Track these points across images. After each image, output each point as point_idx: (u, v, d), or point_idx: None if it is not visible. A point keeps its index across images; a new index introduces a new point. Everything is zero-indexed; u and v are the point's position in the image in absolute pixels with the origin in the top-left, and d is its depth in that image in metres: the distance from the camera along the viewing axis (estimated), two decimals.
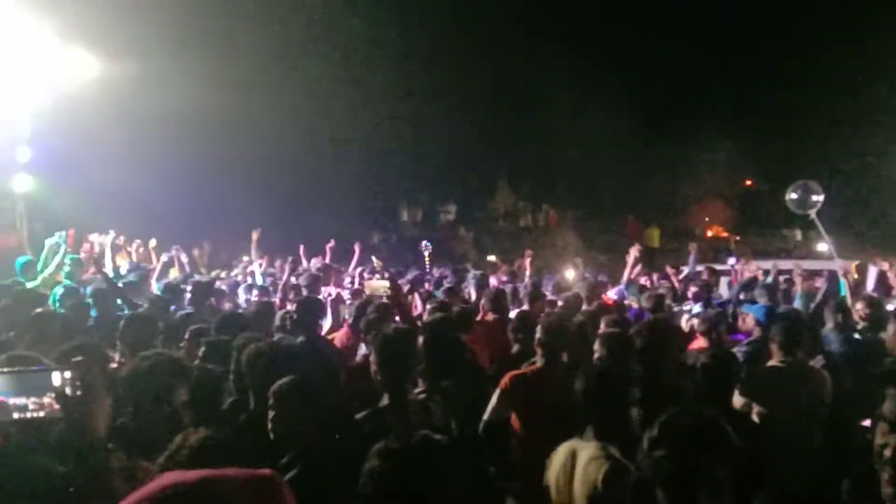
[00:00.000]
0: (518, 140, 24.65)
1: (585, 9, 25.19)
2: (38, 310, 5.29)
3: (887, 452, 1.38)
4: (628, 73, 25.68)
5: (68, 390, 2.13)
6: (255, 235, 10.37)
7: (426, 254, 12.81)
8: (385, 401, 3.59)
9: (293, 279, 7.72)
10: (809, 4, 24.70)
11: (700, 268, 10.75)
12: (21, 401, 2.12)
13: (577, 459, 2.70)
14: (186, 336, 4.98)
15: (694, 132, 24.87)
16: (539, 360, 4.40)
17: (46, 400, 2.13)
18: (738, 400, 4.46)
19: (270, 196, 18.37)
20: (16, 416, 2.11)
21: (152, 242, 9.90)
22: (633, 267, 9.42)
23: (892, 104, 21.84)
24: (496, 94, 23.75)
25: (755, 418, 4.38)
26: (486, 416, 4.20)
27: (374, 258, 11.94)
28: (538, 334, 4.43)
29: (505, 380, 4.25)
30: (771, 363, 4.75)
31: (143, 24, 13.82)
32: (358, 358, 5.44)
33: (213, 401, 3.70)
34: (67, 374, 2.14)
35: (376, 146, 21.66)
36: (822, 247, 11.71)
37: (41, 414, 2.12)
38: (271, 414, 3.17)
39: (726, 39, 25.71)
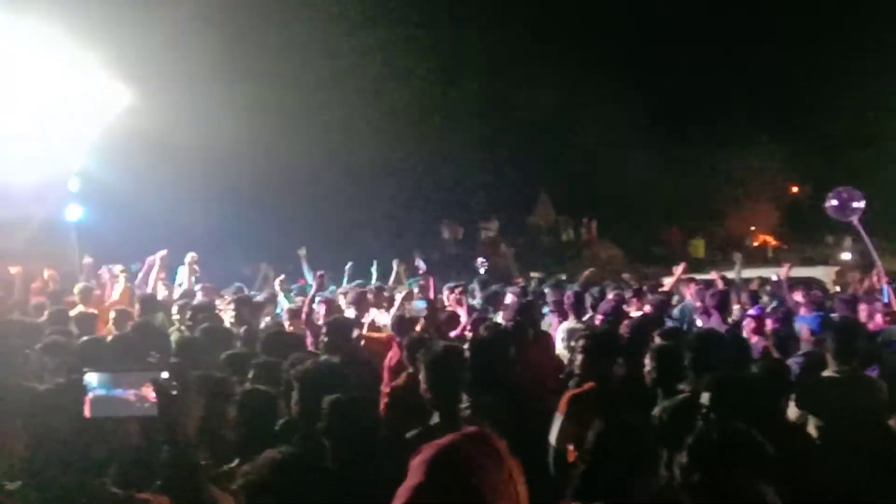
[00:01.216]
0: (557, 154, 24.58)
1: (620, 16, 25.13)
2: None
3: None
4: (667, 80, 25.57)
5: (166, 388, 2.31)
6: (302, 252, 10.48)
7: (482, 271, 12.73)
8: (436, 419, 3.61)
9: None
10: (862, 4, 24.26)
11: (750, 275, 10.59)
12: (119, 393, 2.34)
13: None
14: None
15: (737, 137, 24.60)
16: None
17: (143, 392, 2.33)
18: (793, 412, 4.39)
19: (312, 219, 18.58)
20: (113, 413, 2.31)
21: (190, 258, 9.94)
22: (676, 282, 9.32)
23: None
24: (533, 107, 23.74)
25: (812, 431, 4.30)
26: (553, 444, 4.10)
27: (420, 262, 11.89)
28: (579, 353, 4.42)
29: (563, 402, 4.16)
30: (826, 373, 4.65)
31: (184, 56, 14.19)
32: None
33: (262, 422, 3.75)
34: (166, 374, 2.34)
35: (415, 166, 21.81)
36: (846, 255, 11.50)
37: (138, 406, 2.33)
38: (324, 428, 3.22)
39: (768, 43, 25.46)
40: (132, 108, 11.59)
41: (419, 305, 6.57)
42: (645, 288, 9.36)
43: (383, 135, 20.56)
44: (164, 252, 9.08)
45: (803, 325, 6.00)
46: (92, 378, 2.45)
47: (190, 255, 9.51)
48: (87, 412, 2.44)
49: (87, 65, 10.62)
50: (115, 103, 11.24)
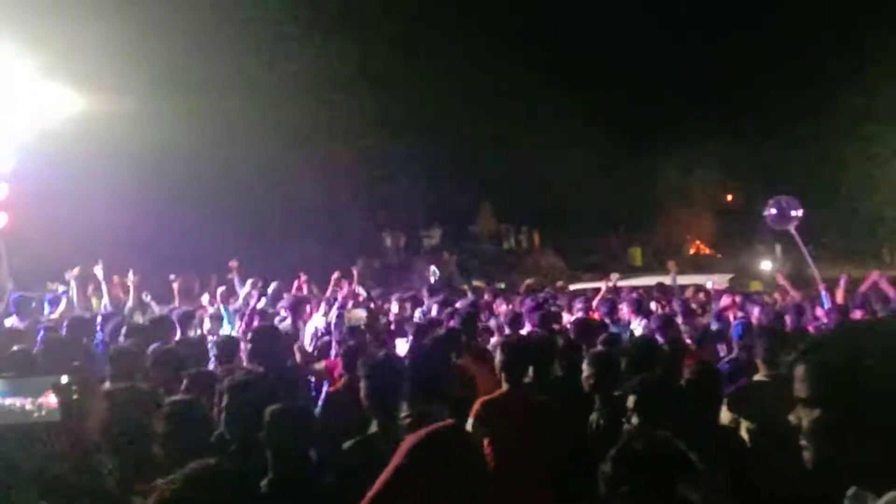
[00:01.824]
0: (498, 163, 24.77)
1: (560, 25, 25.50)
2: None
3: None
4: (606, 92, 26.02)
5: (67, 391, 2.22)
6: (234, 264, 10.19)
7: (432, 279, 12.58)
8: (374, 427, 3.58)
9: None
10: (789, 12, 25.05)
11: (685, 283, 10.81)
12: (17, 401, 2.22)
13: None
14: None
15: (672, 149, 25.12)
16: (504, 384, 4.35)
17: (42, 400, 2.22)
18: (725, 416, 4.49)
19: (250, 226, 18.31)
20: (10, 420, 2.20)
21: (131, 276, 9.68)
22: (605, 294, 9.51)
23: (868, 115, 22.28)
24: (474, 117, 23.89)
25: (744, 434, 4.40)
26: None
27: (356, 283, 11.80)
28: (497, 357, 4.44)
29: (475, 407, 4.20)
30: (756, 377, 4.77)
31: (124, 61, 13.88)
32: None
33: (194, 433, 3.67)
34: (65, 379, 2.24)
35: (356, 173, 21.71)
36: (766, 265, 11.94)
37: (36, 415, 2.21)
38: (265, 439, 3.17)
39: (702, 53, 26.09)
40: (70, 113, 11.28)
41: (359, 313, 6.52)
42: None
43: (325, 142, 20.43)
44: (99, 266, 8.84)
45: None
46: None
47: (131, 274, 9.30)
48: None
49: (20, 67, 10.28)
50: (51, 108, 10.94)
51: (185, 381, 4.42)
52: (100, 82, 12.61)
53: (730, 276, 10.18)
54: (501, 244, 27.44)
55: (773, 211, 9.38)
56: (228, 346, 5.66)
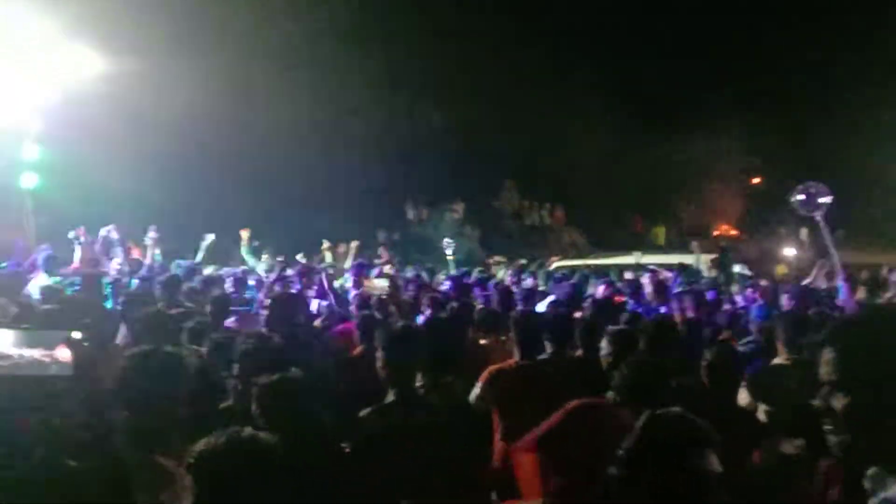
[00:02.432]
0: (523, 138, 24.59)
1: (584, 5, 25.18)
2: None
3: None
4: (634, 70, 25.66)
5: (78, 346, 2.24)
6: (244, 234, 10.14)
7: (449, 251, 12.47)
8: (391, 397, 3.60)
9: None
10: None
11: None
12: (32, 352, 2.23)
13: None
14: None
15: (700, 126, 24.75)
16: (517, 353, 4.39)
17: (56, 353, 2.23)
18: (743, 398, 4.46)
19: (273, 195, 18.38)
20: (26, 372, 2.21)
21: (151, 234, 9.72)
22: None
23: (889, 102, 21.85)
24: (499, 91, 23.72)
25: (762, 416, 4.38)
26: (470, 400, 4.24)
27: (381, 249, 11.77)
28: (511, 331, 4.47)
29: (484, 373, 4.26)
30: (776, 361, 4.73)
31: (148, 22, 13.84)
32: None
33: (211, 398, 3.72)
34: (77, 335, 2.26)
35: (380, 145, 21.66)
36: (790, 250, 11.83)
37: (53, 369, 2.23)
38: (256, 411, 3.18)
39: (731, 30, 25.65)
40: (93, 75, 11.33)
41: (380, 283, 6.52)
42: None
43: (347, 113, 20.39)
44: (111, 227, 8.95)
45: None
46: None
47: (152, 230, 9.38)
48: None
49: (44, 28, 10.33)
50: (75, 69, 10.98)
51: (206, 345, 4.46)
52: (123, 43, 12.58)
53: (712, 256, 10.06)
54: (524, 220, 27.32)
55: (801, 196, 9.17)
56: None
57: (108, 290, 6.94)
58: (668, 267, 10.85)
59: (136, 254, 9.58)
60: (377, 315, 5.62)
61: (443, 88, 22.83)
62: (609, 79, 24.66)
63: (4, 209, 10.91)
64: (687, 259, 10.74)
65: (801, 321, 4.94)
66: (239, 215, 14.83)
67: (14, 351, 2.27)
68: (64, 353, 2.28)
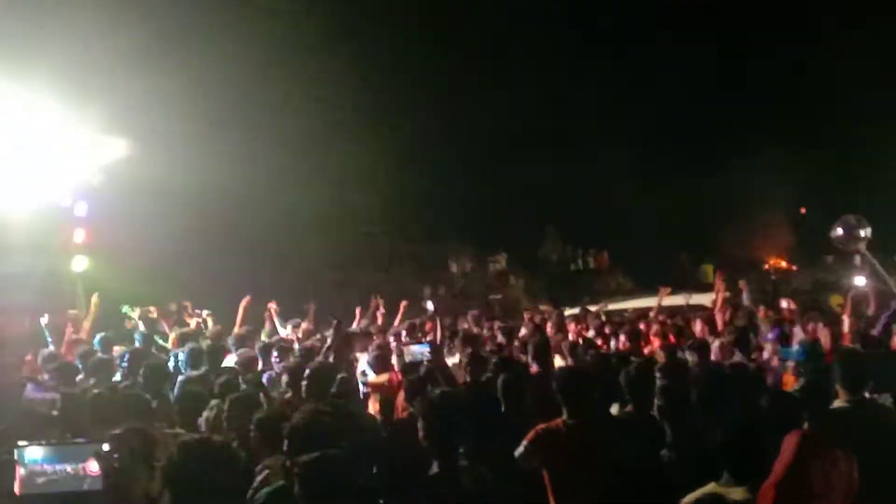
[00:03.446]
0: (562, 185, 24.54)
1: (620, 40, 25.26)
2: None
3: None
4: (671, 106, 25.59)
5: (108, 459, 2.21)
6: (272, 306, 10.17)
7: (496, 306, 12.38)
8: (435, 468, 3.51)
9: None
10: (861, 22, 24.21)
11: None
12: (64, 467, 2.21)
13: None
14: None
15: (743, 157, 24.45)
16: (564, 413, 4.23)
17: (86, 466, 2.21)
18: None
19: (316, 258, 18.55)
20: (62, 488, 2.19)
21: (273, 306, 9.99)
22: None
23: None
24: (537, 139, 23.84)
25: None
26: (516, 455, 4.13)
27: (429, 303, 11.65)
28: (554, 384, 4.32)
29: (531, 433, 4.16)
30: (837, 403, 4.51)
31: (174, 113, 14.33)
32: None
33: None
34: (106, 446, 2.23)
35: (421, 198, 21.82)
36: (859, 279, 11.32)
37: (82, 484, 2.20)
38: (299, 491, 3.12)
39: (767, 63, 25.46)
40: (125, 159, 11.75)
41: (417, 350, 6.38)
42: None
43: (385, 167, 20.61)
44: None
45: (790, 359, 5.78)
46: (31, 451, 2.31)
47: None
48: (17, 488, 2.30)
49: (83, 121, 10.83)
50: (107, 153, 11.44)
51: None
52: (154, 132, 13.11)
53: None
54: (569, 266, 27.13)
55: (840, 231, 8.78)
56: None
57: None
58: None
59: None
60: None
61: (480, 138, 23.02)
62: (647, 112, 24.65)
63: (57, 294, 11.22)
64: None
65: (860, 360, 4.72)
66: (281, 282, 15.03)
67: (47, 467, 2.28)
68: (93, 467, 2.27)
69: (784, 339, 7.38)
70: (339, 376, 5.63)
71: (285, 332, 9.50)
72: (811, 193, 27.25)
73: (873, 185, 22.32)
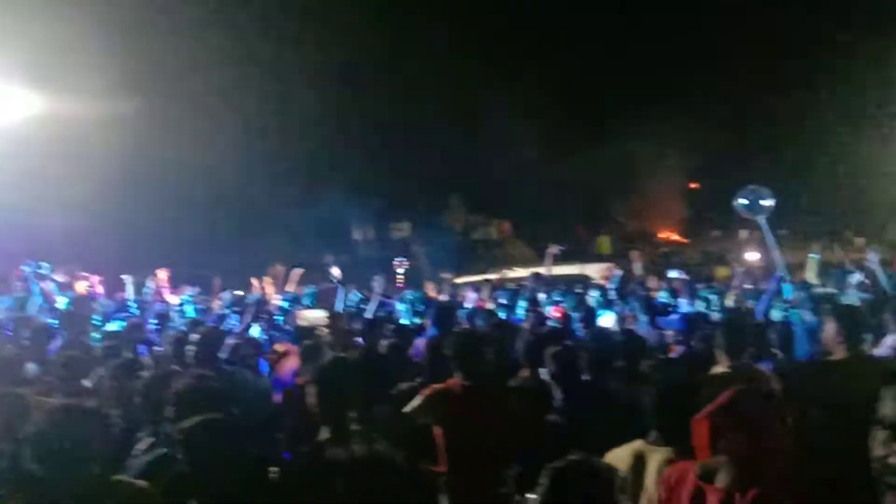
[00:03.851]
0: (467, 155, 24.66)
1: (522, 13, 25.43)
2: None
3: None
4: (574, 82, 25.98)
5: None
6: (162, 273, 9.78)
7: (400, 271, 12.35)
8: (325, 434, 3.46)
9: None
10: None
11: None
12: None
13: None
14: None
15: (638, 132, 25.11)
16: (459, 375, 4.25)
17: None
18: None
19: (218, 223, 18.07)
20: None
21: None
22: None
23: (823, 104, 22.51)
24: (442, 109, 23.78)
25: None
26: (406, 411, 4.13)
27: (335, 270, 11.51)
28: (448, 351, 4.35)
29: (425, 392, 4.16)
30: (718, 370, 4.70)
31: (81, 64, 13.59)
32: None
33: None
34: None
35: (324, 166, 21.52)
36: (752, 255, 11.95)
37: None
38: (182, 456, 3.03)
39: (666, 39, 26.12)
40: (30, 115, 11.15)
41: (313, 315, 6.28)
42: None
43: (290, 136, 20.22)
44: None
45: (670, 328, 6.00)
46: None
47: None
48: None
49: None
50: (11, 108, 10.83)
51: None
52: (57, 84, 12.40)
53: (607, 265, 10.22)
54: (472, 236, 27.37)
55: (745, 201, 9.30)
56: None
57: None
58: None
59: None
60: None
61: (385, 109, 22.83)
62: (547, 84, 24.94)
63: None
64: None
65: (741, 328, 4.92)
66: (182, 245, 14.58)
67: None
68: None
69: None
70: (233, 343, 5.50)
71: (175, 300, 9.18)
72: (703, 168, 28.37)
73: (765, 161, 23.38)
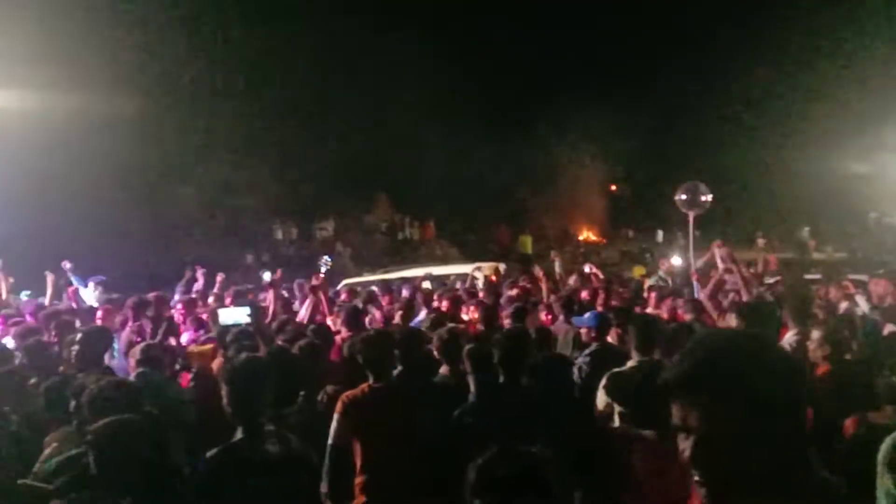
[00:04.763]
0: (394, 154, 24.65)
1: (449, 19, 25.60)
2: None
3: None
4: (499, 81, 26.26)
5: None
6: (66, 265, 9.36)
7: (323, 269, 12.42)
8: (239, 434, 3.43)
9: None
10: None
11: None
12: None
13: None
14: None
15: (560, 134, 25.55)
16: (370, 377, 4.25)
17: None
18: (601, 401, 4.58)
19: (133, 222, 17.53)
20: None
21: None
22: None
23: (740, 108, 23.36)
24: (367, 108, 23.74)
25: (616, 419, 4.50)
26: (330, 441, 4.06)
27: (266, 274, 11.41)
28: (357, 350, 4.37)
29: (338, 403, 4.12)
30: (629, 364, 4.86)
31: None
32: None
33: None
34: None
35: (246, 163, 21.19)
36: (676, 259, 12.41)
37: None
38: (92, 460, 2.96)
39: (583, 36, 26.62)
40: None
41: (232, 313, 6.19)
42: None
43: (210, 132, 19.85)
44: None
45: (583, 328, 6.13)
46: None
47: None
48: None
49: None
50: None
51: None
52: None
53: (500, 265, 10.59)
54: (397, 235, 27.36)
55: (685, 196, 9.74)
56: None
57: None
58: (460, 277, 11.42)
59: None
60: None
61: (311, 108, 22.64)
62: (473, 89, 25.16)
63: None
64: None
65: (652, 326, 5.09)
66: (92, 243, 14.07)
67: None
68: None
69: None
70: (144, 344, 5.38)
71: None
72: (624, 170, 29.09)
73: (684, 161, 24.07)
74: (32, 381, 4.52)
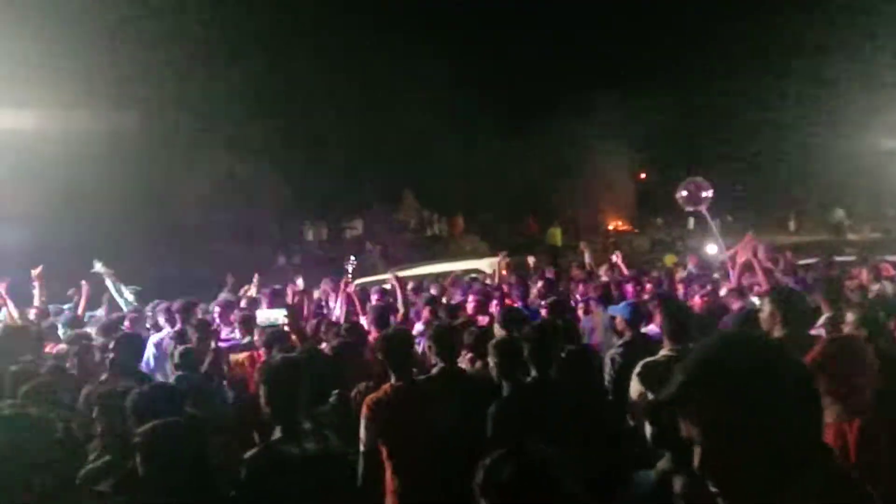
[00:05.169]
0: (419, 151, 24.68)
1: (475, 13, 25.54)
2: None
3: None
4: (524, 77, 26.18)
5: None
6: (36, 272, 8.72)
7: (350, 270, 12.44)
8: (277, 433, 3.49)
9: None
10: None
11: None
12: None
13: None
14: None
15: (586, 126, 25.40)
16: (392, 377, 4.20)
17: None
18: (635, 390, 4.58)
19: (167, 229, 17.77)
20: None
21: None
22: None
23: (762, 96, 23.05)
24: (390, 107, 23.79)
25: None
26: (362, 448, 4.04)
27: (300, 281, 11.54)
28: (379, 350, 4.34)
29: (363, 407, 4.08)
30: (663, 352, 4.84)
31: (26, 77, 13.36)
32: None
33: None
34: None
35: (274, 166, 21.35)
36: (712, 248, 12.25)
37: None
38: (139, 462, 3.03)
39: (610, 29, 26.45)
40: None
41: (270, 314, 6.27)
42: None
43: (238, 137, 20.02)
44: None
45: (618, 317, 6.09)
46: None
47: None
48: None
49: None
50: None
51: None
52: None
53: (504, 260, 10.47)
54: (426, 231, 27.41)
55: (685, 193, 9.62)
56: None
57: None
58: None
59: None
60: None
61: (333, 106, 22.75)
62: (498, 83, 25.13)
63: None
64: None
65: (685, 314, 5.07)
66: (135, 249, 14.32)
67: None
68: None
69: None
70: (184, 349, 5.48)
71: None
72: (651, 158, 28.85)
73: (711, 150, 23.86)
74: (86, 389, 4.62)
